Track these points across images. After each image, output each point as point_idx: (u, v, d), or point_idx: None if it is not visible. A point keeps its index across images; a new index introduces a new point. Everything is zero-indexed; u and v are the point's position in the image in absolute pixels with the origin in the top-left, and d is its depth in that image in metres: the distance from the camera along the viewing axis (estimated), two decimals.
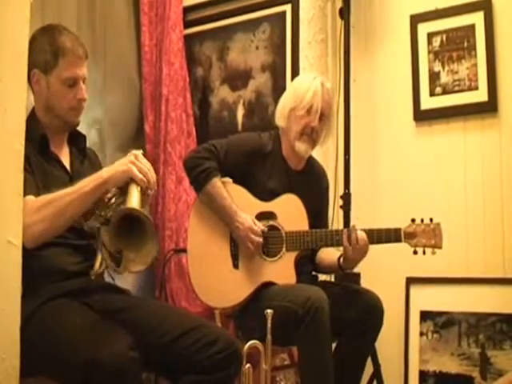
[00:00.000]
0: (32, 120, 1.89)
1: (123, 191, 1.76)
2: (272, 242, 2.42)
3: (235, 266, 2.42)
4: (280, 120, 2.54)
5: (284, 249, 2.39)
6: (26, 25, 1.53)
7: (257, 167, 2.48)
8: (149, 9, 3.40)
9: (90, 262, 1.91)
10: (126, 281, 2.81)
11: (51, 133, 1.94)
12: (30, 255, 1.55)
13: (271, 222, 2.43)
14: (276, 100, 3.20)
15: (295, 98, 2.48)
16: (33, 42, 1.91)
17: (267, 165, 2.50)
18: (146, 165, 1.79)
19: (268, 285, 2.37)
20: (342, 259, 2.40)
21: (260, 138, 2.54)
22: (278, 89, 3.24)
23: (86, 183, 1.74)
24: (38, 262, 1.76)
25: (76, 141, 2.02)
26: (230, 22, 3.47)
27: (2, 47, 1.46)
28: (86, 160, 2.03)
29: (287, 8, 3.30)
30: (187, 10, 3.53)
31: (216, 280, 2.41)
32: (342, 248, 2.39)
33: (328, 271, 2.66)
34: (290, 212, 2.43)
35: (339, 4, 3.21)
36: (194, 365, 1.74)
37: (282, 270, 2.38)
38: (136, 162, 1.76)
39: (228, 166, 2.46)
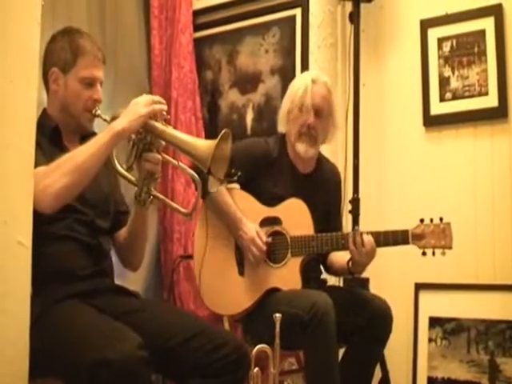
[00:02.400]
0: (43, 118, 1.91)
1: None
2: (277, 247, 2.40)
3: (241, 272, 2.42)
4: (281, 126, 2.53)
5: (289, 254, 2.37)
6: (37, 27, 1.53)
7: (263, 174, 2.46)
8: (159, 12, 3.41)
9: (99, 265, 1.92)
10: (135, 283, 2.81)
11: (64, 131, 1.95)
12: (39, 254, 1.55)
13: (276, 228, 2.42)
14: None
15: (288, 100, 2.48)
16: (53, 41, 1.95)
17: (274, 171, 2.48)
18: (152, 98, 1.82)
19: (273, 291, 2.36)
20: (350, 263, 2.39)
21: (266, 144, 2.52)
22: None
23: (100, 137, 1.77)
24: (48, 262, 1.76)
25: (88, 139, 2.02)
26: (239, 25, 3.48)
27: (13, 49, 1.47)
28: None
29: (297, 12, 3.30)
30: (197, 13, 3.53)
31: (222, 287, 2.41)
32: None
33: (339, 274, 2.65)
34: (295, 216, 2.40)
35: (349, 8, 3.20)
36: (202, 368, 1.74)
37: (287, 276, 2.36)
38: (145, 107, 1.78)
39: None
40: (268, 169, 2.47)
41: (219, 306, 2.42)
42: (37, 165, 1.62)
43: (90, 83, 1.92)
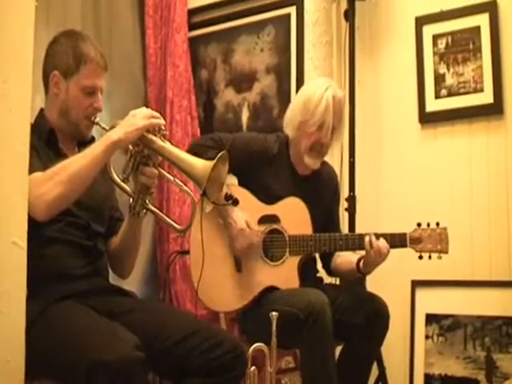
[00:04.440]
0: (40, 119, 1.91)
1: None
2: (275, 245, 2.40)
3: (238, 269, 2.41)
4: (288, 129, 2.50)
5: (287, 253, 2.37)
6: (31, 27, 1.53)
7: (261, 170, 2.45)
8: (153, 11, 3.40)
9: (94, 265, 1.92)
10: (131, 283, 2.80)
11: (61, 135, 1.95)
12: (35, 255, 1.55)
13: (274, 226, 2.41)
14: (281, 102, 3.21)
15: (305, 112, 2.40)
16: (55, 44, 1.93)
17: (272, 169, 2.47)
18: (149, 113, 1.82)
19: (271, 289, 2.36)
20: (361, 263, 2.34)
21: (265, 141, 2.50)
22: (283, 91, 3.25)
23: (96, 146, 1.76)
24: (42, 263, 1.76)
25: (85, 142, 2.02)
26: (234, 24, 3.47)
27: (7, 49, 1.46)
28: None
29: (292, 10, 3.30)
30: (192, 12, 3.53)
31: (219, 284, 2.40)
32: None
33: (347, 276, 2.59)
34: (294, 215, 2.40)
35: (344, 6, 3.21)
36: (198, 367, 1.74)
37: (284, 275, 2.36)
38: (143, 119, 1.78)
39: (231, 161, 2.42)
40: (266, 166, 2.46)
41: (216, 304, 2.41)
42: (33, 169, 1.62)
43: (91, 92, 1.91)
